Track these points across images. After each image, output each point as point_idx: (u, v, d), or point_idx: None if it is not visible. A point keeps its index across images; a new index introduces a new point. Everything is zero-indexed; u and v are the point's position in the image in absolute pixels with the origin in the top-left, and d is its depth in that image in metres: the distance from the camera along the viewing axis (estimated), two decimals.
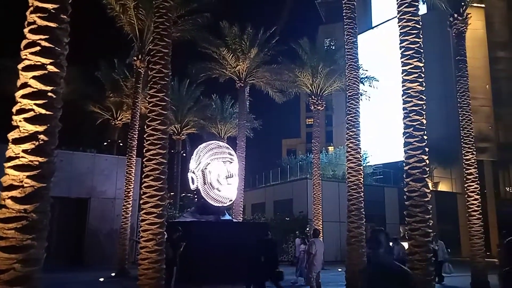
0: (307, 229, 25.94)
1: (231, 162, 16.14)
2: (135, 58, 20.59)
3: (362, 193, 13.50)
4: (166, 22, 10.78)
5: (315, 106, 26.86)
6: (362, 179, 13.81)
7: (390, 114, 38.09)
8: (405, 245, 11.85)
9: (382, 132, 44.08)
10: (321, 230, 22.11)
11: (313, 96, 26.97)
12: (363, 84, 25.96)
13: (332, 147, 49.12)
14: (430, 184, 36.79)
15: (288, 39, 27.59)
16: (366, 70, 27.22)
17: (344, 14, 14.96)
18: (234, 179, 16.16)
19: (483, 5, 41.32)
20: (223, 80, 26.99)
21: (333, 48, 31.81)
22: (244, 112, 27.63)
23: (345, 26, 14.87)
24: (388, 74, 33.44)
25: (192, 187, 16.03)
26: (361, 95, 25.94)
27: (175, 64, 11.34)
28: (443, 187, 40.58)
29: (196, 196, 20.24)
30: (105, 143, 35.66)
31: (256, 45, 25.55)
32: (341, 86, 25.84)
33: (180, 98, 32.98)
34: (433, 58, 37.56)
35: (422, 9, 29.23)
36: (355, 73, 14.76)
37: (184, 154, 39.01)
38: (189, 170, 16.28)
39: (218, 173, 15.64)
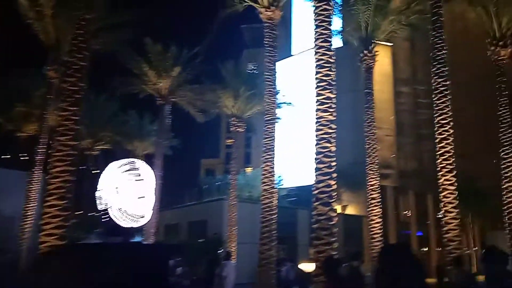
0: (220, 251, 25.89)
1: (145, 181, 15.73)
2: (49, 68, 19.44)
3: (275, 215, 13.93)
4: (86, 34, 10.46)
5: (235, 127, 27.31)
6: (276, 201, 14.25)
7: (306, 139, 39.93)
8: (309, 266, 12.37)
9: (298, 155, 45.91)
10: (235, 252, 22.22)
11: (234, 118, 27.42)
12: (281, 107, 27.03)
13: (251, 168, 49.97)
14: (339, 207, 38.63)
15: (213, 60, 27.99)
16: (284, 95, 28.37)
17: (265, 42, 15.64)
18: (147, 199, 15.74)
19: (390, 44, 45.48)
20: (143, 96, 26.46)
21: (256, 72, 32.77)
22: (163, 130, 27.22)
23: (265, 54, 15.55)
24: (306, 100, 35.21)
25: (101, 206, 15.32)
26: (278, 119, 27.10)
27: (93, 76, 10.97)
28: (351, 210, 43.02)
29: (105, 217, 19.29)
30: (7, 156, 32.73)
31: (180, 64, 25.52)
32: (261, 110, 26.63)
33: (95, 112, 31.54)
34: (346, 89, 40.23)
35: (339, 42, 31.38)
36: (273, 99, 15.41)
37: (96, 171, 37.12)
38: (99, 188, 15.58)
39: (130, 192, 15.14)
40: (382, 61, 43.97)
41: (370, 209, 17.43)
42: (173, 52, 25.36)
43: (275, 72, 15.71)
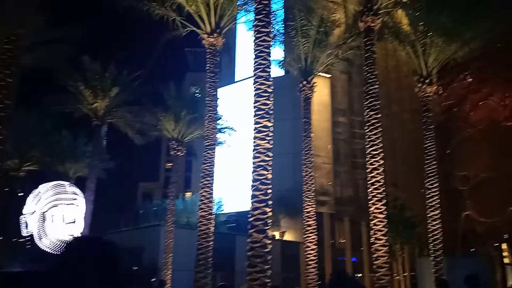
0: (153, 279, 24.93)
1: (75, 206, 14.93)
2: None
3: (212, 242, 13.73)
4: (15, 49, 9.94)
5: (175, 151, 26.91)
6: (213, 228, 14.08)
7: (247, 164, 40.17)
8: None
9: (238, 180, 45.94)
10: (170, 280, 21.51)
11: (174, 141, 27.04)
12: (223, 133, 27.11)
13: (190, 193, 49.17)
14: (277, 233, 38.90)
15: (155, 81, 27.64)
16: (226, 121, 28.52)
17: (207, 67, 15.74)
18: (77, 224, 14.91)
19: (329, 75, 47.57)
20: (79, 116, 25.42)
21: (199, 96, 32.74)
22: (98, 152, 26.18)
23: (207, 79, 15.62)
24: (247, 126, 35.58)
25: (26, 232, 14.27)
26: (220, 144, 27.10)
27: (26, 92, 10.38)
28: (289, 236, 43.47)
29: (30, 243, 17.96)
30: None
31: (119, 84, 24.91)
32: (202, 134, 26.52)
33: (24, 130, 29.67)
34: (287, 116, 41.30)
35: (281, 71, 32.29)
36: (213, 124, 15.42)
37: (22, 194, 34.64)
38: (25, 213, 14.53)
39: (58, 217, 14.28)
40: (321, 91, 45.80)
41: (306, 235, 17.72)
42: (112, 71, 24.75)
43: (217, 97, 15.82)
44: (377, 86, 16.08)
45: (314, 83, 21.06)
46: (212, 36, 15.53)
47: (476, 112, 76.91)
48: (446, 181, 71.18)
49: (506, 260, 27.56)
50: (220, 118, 24.43)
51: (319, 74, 23.88)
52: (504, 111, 75.17)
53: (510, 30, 21.52)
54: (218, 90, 18.11)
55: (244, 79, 50.16)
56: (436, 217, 18.71)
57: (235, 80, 54.94)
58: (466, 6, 17.91)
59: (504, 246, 28.10)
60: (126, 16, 17.75)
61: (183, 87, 33.62)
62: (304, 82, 20.61)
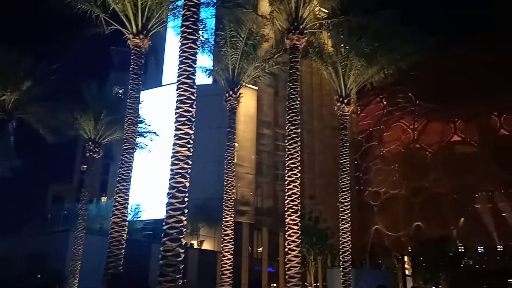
0: None
1: None
2: None
3: (123, 250, 13.21)
4: None
5: (92, 153, 25.60)
6: (126, 235, 13.56)
7: (167, 171, 39.33)
8: None
9: (159, 186, 44.78)
10: None
11: (91, 143, 25.71)
12: (144, 137, 26.35)
13: (106, 198, 46.94)
14: (196, 242, 38.38)
15: (76, 78, 26.14)
16: (149, 125, 27.77)
17: (130, 69, 15.27)
18: None
19: (256, 88, 48.42)
20: None
21: (122, 97, 31.55)
22: (4, 148, 24.07)
23: (130, 81, 15.14)
24: (171, 131, 34.91)
25: None
26: (141, 148, 26.28)
27: None
28: (208, 245, 43.18)
29: None
30: None
31: (33, 77, 23.18)
32: (121, 137, 25.53)
33: None
34: (213, 124, 41.23)
35: (210, 79, 32.18)
36: (133, 128, 14.95)
37: None
38: None
39: None
40: (248, 103, 46.50)
41: (223, 245, 17.73)
42: (25, 63, 22.98)
43: (139, 100, 15.37)
44: (299, 102, 16.69)
45: (240, 94, 21.31)
46: (138, 37, 15.12)
47: (389, 133, 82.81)
48: (360, 196, 75.82)
49: (407, 272, 29.77)
50: (143, 121, 23.74)
51: (246, 85, 24.21)
52: (413, 134, 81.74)
53: (420, 60, 23.63)
54: (144, 92, 17.69)
55: (171, 83, 49.35)
56: (347, 229, 19.74)
57: (162, 84, 53.83)
58: (383, 36, 19.34)
59: (406, 258, 30.36)
60: (49, 7, 16.70)
61: (106, 87, 32.23)
62: (231, 93, 20.78)
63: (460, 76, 79.41)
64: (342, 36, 21.34)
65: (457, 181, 73.74)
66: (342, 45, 21.20)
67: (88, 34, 18.06)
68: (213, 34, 21.54)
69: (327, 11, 19.53)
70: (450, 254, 52.96)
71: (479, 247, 72.07)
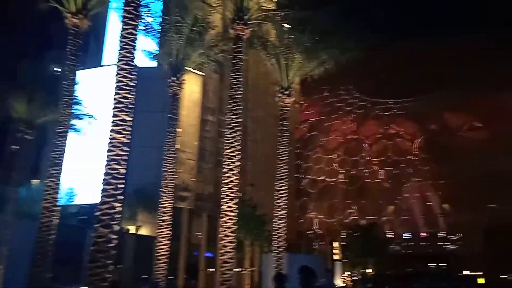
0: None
1: None
2: None
3: (54, 235, 12.94)
4: None
5: (23, 134, 24.33)
6: (57, 220, 13.27)
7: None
8: None
9: (96, 171, 43.48)
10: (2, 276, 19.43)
11: (22, 123, 24.40)
12: (80, 119, 25.45)
13: (39, 181, 44.78)
14: (133, 228, 37.72)
15: (9, 55, 24.55)
16: (86, 107, 26.81)
17: (68, 50, 14.73)
18: None
19: (202, 74, 48.01)
20: None
21: (59, 76, 30.10)
22: None
23: (66, 62, 14.62)
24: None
25: None
26: (76, 132, 25.38)
27: None
28: (146, 230, 42.74)
29: None
30: None
31: None
32: (56, 119, 24.49)
33: None
34: (157, 108, 40.48)
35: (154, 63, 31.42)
36: (68, 110, 14.51)
37: None
38: None
39: None
40: (193, 88, 46.12)
41: (159, 230, 17.78)
42: None
43: (75, 82, 14.88)
44: (241, 92, 16.95)
45: (184, 80, 21.16)
46: (76, 17, 14.56)
47: (330, 123, 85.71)
48: (299, 183, 78.09)
49: (337, 257, 31.43)
50: (79, 103, 22.91)
51: (191, 71, 24.00)
52: (352, 125, 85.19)
53: (360, 55, 24.65)
54: (84, 71, 17.01)
55: (112, 64, 47.71)
56: (282, 216, 20.46)
57: (102, 64, 51.86)
58: (325, 31, 20.01)
59: (335, 244, 32.01)
60: None
61: (42, 65, 30.53)
62: (174, 78, 20.58)
63: (397, 72, 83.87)
64: (285, 29, 21.82)
65: (390, 171, 78.31)
66: (285, 37, 21.64)
67: (25, 11, 17.09)
68: (158, 18, 21.15)
69: (273, 3, 19.86)
70: (378, 240, 56.36)
71: (405, 234, 77.25)
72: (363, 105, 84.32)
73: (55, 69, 38.34)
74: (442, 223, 75.86)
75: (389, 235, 73.81)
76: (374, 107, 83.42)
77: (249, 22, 17.69)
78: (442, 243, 74.81)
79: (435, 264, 74.33)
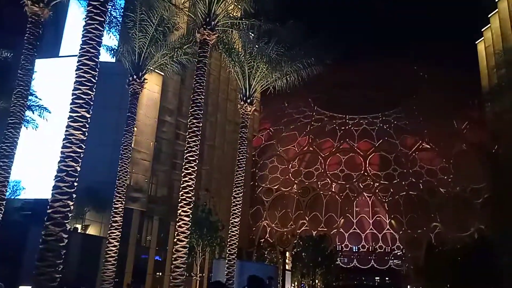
0: None
1: None
2: None
3: None
4: None
5: None
6: (1, 216, 12.63)
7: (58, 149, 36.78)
8: None
9: (45, 164, 41.63)
10: None
11: None
12: (33, 112, 24.44)
13: None
14: (80, 227, 36.38)
15: None
16: (40, 99, 25.80)
17: (26, 39, 14.15)
18: None
19: (162, 74, 47.32)
20: None
21: (9, 61, 28.64)
22: None
23: (23, 51, 14.04)
24: (66, 107, 32.71)
25: None
26: (28, 123, 24.32)
27: None
28: (94, 230, 41.32)
29: None
30: None
31: None
32: (6, 107, 23.34)
33: None
34: (113, 105, 39.43)
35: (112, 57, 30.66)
36: (22, 101, 13.90)
37: None
38: None
39: None
40: (153, 87, 45.33)
41: (110, 231, 17.34)
42: None
43: (31, 72, 14.29)
44: (203, 96, 16.98)
45: (145, 79, 20.88)
46: (37, 5, 14.02)
47: (287, 134, 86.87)
48: (254, 191, 78.42)
49: (287, 267, 31.82)
50: (33, 94, 22.01)
51: (153, 69, 23.68)
52: (308, 137, 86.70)
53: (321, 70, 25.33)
54: (39, 61, 16.36)
55: (71, 55, 46.06)
56: (236, 223, 20.56)
57: (60, 55, 49.91)
58: (288, 44, 20.49)
59: (287, 254, 32.41)
60: None
61: None
62: (135, 77, 20.25)
63: (354, 88, 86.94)
64: (251, 38, 22.11)
65: (342, 185, 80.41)
66: (251, 46, 21.92)
67: None
68: (122, 14, 20.77)
69: (241, 11, 20.09)
70: (327, 252, 57.64)
71: (354, 246, 79.46)
72: (321, 118, 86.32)
73: (7, 54, 36.48)
74: (389, 238, 78.71)
75: (339, 247, 75.65)
76: (331, 121, 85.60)
77: (216, 28, 17.81)
78: (388, 258, 77.55)
79: (380, 278, 76.99)
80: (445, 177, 75.90)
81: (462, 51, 75.38)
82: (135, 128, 28.09)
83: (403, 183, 76.76)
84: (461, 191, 73.87)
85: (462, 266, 40.60)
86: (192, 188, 15.63)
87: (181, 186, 15.56)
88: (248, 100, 22.44)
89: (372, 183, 79.72)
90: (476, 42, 73.76)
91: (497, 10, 65.03)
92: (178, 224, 15.07)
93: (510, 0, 60.39)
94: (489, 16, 68.13)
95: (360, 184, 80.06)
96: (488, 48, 69.05)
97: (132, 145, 23.40)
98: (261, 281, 6.09)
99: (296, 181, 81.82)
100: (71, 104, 10.01)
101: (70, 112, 9.95)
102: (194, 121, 16.39)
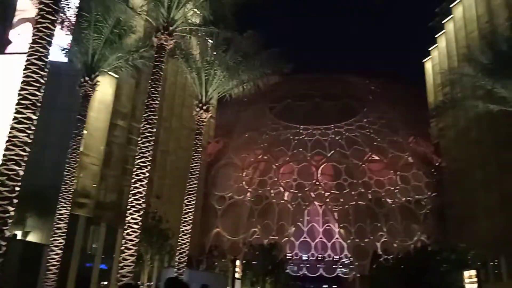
0: None
1: None
2: None
3: None
4: None
5: None
6: None
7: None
8: None
9: None
10: None
11: None
12: None
13: None
14: (20, 233, 34.47)
15: None
16: None
17: None
18: None
19: (117, 76, 46.07)
20: None
21: None
22: None
23: None
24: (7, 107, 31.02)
25: None
26: None
27: None
28: (36, 237, 39.25)
29: None
30: None
31: None
32: None
33: None
34: (64, 106, 37.93)
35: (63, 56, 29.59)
36: None
37: None
38: None
39: None
40: (105, 90, 43.93)
41: (53, 238, 16.56)
42: None
43: None
44: (158, 101, 16.71)
45: (97, 81, 20.28)
46: None
47: (241, 141, 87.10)
48: (206, 199, 77.79)
49: (237, 275, 31.77)
50: None
51: (106, 71, 23.05)
52: (263, 146, 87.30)
53: (276, 82, 25.75)
54: None
55: (19, 53, 43.90)
56: (187, 231, 20.28)
57: (5, 52, 47.37)
58: (246, 54, 20.69)
59: (237, 262, 32.40)
60: None
61: None
62: (87, 78, 19.63)
63: (309, 99, 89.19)
64: (209, 45, 22.13)
65: (295, 194, 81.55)
66: (209, 53, 21.91)
67: None
68: (76, 12, 20.13)
69: (200, 19, 20.05)
70: (277, 260, 58.08)
71: (304, 255, 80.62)
72: (276, 127, 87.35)
73: None
74: (338, 247, 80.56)
75: (289, 255, 76.44)
76: (285, 130, 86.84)
77: (174, 34, 17.65)
78: (336, 266, 79.29)
79: (327, 286, 78.53)
80: (392, 188, 78.95)
81: (412, 68, 79.73)
82: (85, 131, 27.09)
83: (353, 193, 79.00)
84: (406, 202, 77.15)
85: (404, 274, 42.24)
86: (142, 194, 15.28)
87: (131, 192, 15.17)
88: (204, 107, 22.34)
89: (323, 192, 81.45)
90: (424, 61, 77.90)
91: (444, 31, 69.08)
92: (126, 231, 14.65)
93: (456, 22, 64.27)
94: (436, 36, 72.24)
95: (311, 193, 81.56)
96: (435, 67, 73.16)
97: (81, 148, 22.59)
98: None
99: (249, 189, 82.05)
100: (16, 104, 9.54)
101: (15, 113, 9.48)
102: (148, 126, 16.08)
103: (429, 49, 75.76)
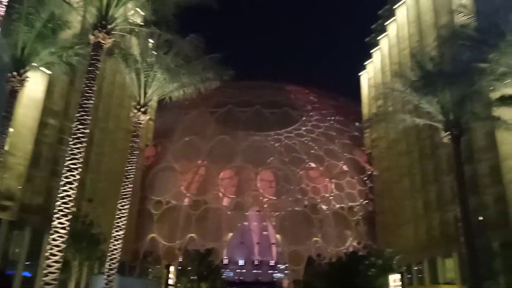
0: None
1: None
2: None
3: None
4: None
5: None
6: None
7: None
8: None
9: None
10: None
11: None
12: None
13: None
14: None
15: None
16: None
17: None
18: None
19: (49, 72, 43.57)
20: None
21: None
22: None
23: None
24: None
25: None
26: None
27: None
28: None
29: None
30: None
31: None
32: None
33: None
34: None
35: None
36: None
37: None
38: None
39: None
40: (36, 86, 41.44)
41: None
42: None
43: None
44: (93, 101, 16.07)
45: (27, 77, 19.08)
46: None
47: (180, 145, 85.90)
48: (142, 204, 75.73)
49: (170, 282, 31.16)
50: None
51: (38, 67, 21.78)
52: (202, 151, 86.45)
53: (217, 86, 25.71)
54: None
55: None
56: (120, 237, 19.59)
57: None
58: (188, 57, 20.53)
59: (172, 268, 31.79)
60: None
61: None
62: (15, 73, 18.40)
63: (250, 106, 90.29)
64: (150, 46, 21.68)
65: (233, 199, 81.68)
66: (149, 54, 21.45)
67: None
68: (6, 4, 18.80)
69: (141, 19, 19.62)
70: (213, 266, 57.76)
71: (241, 260, 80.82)
72: (217, 132, 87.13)
73: None
74: (274, 252, 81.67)
75: (226, 261, 76.26)
76: (227, 136, 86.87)
77: (112, 32, 17.10)
78: (272, 271, 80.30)
79: None
80: (327, 195, 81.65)
81: (351, 81, 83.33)
82: (11, 129, 25.38)
83: (290, 199, 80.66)
84: (340, 209, 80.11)
85: (336, 278, 43.73)
86: (71, 198, 14.57)
87: (59, 195, 14.42)
88: (142, 109, 21.80)
89: (261, 198, 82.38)
90: (360, 74, 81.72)
91: (379, 46, 72.94)
92: (52, 236, 13.87)
93: (390, 39, 68.10)
94: (371, 51, 76.10)
95: (250, 199, 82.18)
96: (370, 80, 77.02)
97: (6, 147, 21.12)
98: None
99: (188, 194, 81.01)
100: None
101: None
102: (80, 126, 15.39)
103: (365, 63, 79.59)
